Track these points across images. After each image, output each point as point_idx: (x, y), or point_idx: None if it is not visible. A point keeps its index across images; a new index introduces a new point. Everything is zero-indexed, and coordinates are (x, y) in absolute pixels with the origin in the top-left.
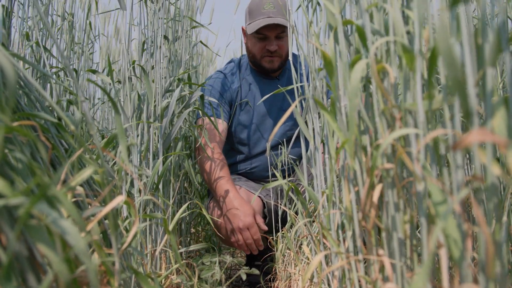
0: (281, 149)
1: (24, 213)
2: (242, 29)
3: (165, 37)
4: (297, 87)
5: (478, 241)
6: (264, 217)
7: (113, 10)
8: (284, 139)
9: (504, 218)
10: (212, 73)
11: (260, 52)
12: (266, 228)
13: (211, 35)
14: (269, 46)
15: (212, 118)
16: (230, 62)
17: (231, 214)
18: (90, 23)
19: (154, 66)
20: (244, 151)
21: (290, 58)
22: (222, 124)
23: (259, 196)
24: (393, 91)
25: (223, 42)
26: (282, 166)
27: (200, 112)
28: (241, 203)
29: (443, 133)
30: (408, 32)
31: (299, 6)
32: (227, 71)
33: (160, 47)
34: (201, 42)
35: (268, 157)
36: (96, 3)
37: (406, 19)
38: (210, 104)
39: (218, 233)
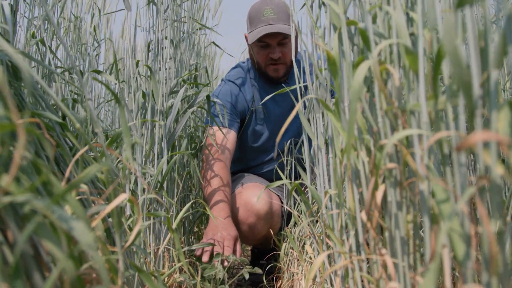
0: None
1: (38, 215)
2: (245, 36)
3: (170, 41)
4: (302, 88)
5: (481, 241)
6: (282, 216)
7: (117, 11)
8: (299, 141)
9: (508, 219)
10: (221, 83)
11: (264, 60)
12: (239, 257)
13: (217, 36)
14: (272, 54)
15: (223, 129)
16: (236, 67)
17: (218, 225)
18: (95, 28)
19: (160, 67)
20: (259, 157)
21: (294, 60)
22: (231, 135)
23: (278, 195)
24: (396, 92)
25: (230, 42)
26: (293, 167)
27: (208, 118)
28: (230, 223)
29: (447, 135)
30: (412, 34)
31: (304, 4)
32: (238, 81)
33: (166, 48)
34: (213, 43)
35: (284, 160)
36: (99, 11)
37: (410, 21)
38: (225, 112)
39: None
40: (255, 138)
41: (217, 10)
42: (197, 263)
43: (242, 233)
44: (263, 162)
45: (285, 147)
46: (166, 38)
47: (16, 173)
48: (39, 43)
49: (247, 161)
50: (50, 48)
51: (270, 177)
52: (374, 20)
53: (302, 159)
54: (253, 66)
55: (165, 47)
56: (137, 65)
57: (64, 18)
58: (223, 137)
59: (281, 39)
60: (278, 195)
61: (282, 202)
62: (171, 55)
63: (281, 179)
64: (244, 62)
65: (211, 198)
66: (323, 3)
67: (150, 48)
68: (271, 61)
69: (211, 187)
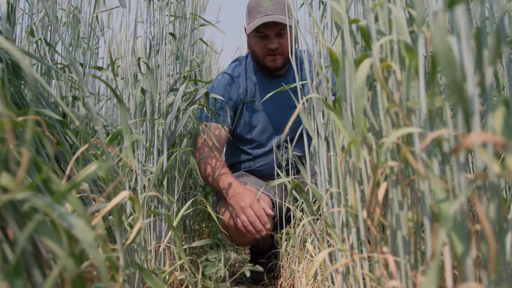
0: (286, 147)
1: (38, 213)
2: (244, 29)
3: (171, 35)
4: (302, 84)
5: (482, 240)
6: (273, 217)
7: (114, 8)
8: (293, 136)
9: (509, 217)
10: (219, 74)
11: (261, 51)
12: (272, 212)
13: (216, 33)
14: (269, 44)
15: (217, 125)
16: (235, 61)
17: (233, 199)
18: (97, 17)
19: (160, 64)
20: (251, 151)
21: (293, 56)
22: (224, 129)
23: (268, 195)
24: (397, 89)
25: (227, 41)
26: (289, 163)
27: (208, 114)
28: (243, 188)
29: (446, 133)
30: (412, 32)
31: (303, 3)
32: (233, 73)
33: (166, 44)
34: (200, 39)
35: (275, 156)
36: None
37: (411, 19)
38: (216, 106)
39: (226, 233)
40: (247, 129)
41: (206, 4)
42: (198, 260)
43: (232, 236)
44: (257, 156)
45: (281, 142)
46: (166, 33)
47: (22, 174)
48: (41, 40)
49: (241, 153)
50: (49, 43)
51: (265, 172)
52: (376, 19)
53: (301, 156)
54: (251, 59)
55: (166, 43)
56: (138, 62)
57: (64, 10)
58: (217, 132)
59: (279, 29)
60: (269, 196)
61: (273, 203)
62: (172, 51)
63: (277, 175)
64: (244, 57)
65: (217, 180)
66: (322, 2)
67: (151, 44)
68: (269, 52)
69: (213, 172)
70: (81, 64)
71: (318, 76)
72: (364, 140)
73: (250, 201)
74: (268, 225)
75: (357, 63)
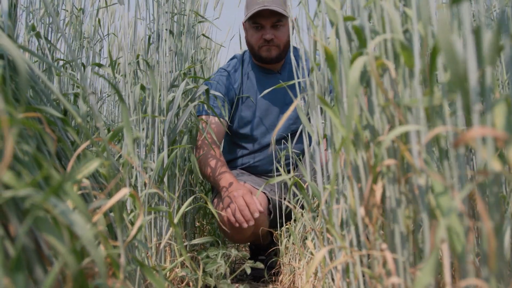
0: (284, 143)
1: (36, 207)
2: (243, 24)
3: (171, 32)
4: (299, 82)
5: (481, 236)
6: (269, 213)
7: (113, 4)
8: (288, 133)
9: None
10: (216, 70)
11: (257, 42)
12: (262, 209)
13: (215, 29)
14: (265, 35)
15: (215, 119)
16: (232, 58)
17: (230, 193)
18: (99, 20)
19: (159, 61)
20: (247, 146)
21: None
22: (222, 124)
23: (264, 192)
24: (392, 87)
25: (223, 39)
26: (285, 160)
27: (201, 108)
28: (241, 187)
29: (444, 130)
30: (406, 31)
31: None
32: (229, 68)
33: (166, 41)
34: (203, 35)
35: (273, 152)
36: (106, 2)
37: (406, 18)
38: (216, 99)
39: (223, 228)
40: (242, 124)
41: (218, 2)
42: (199, 257)
43: (229, 234)
44: (252, 151)
45: (271, 138)
46: (166, 30)
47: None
48: (39, 36)
49: (238, 149)
50: (48, 40)
51: (261, 169)
52: (369, 18)
53: (298, 154)
54: (248, 54)
55: (165, 39)
56: (137, 59)
57: (67, 11)
58: (216, 126)
59: (275, 21)
60: (265, 192)
61: (269, 199)
62: (171, 48)
63: (278, 171)
64: (241, 54)
65: (217, 179)
66: None
67: (151, 41)
68: (265, 43)
69: (213, 171)
70: (83, 65)
71: (313, 71)
72: (359, 138)
73: (243, 192)
74: (257, 214)
75: (352, 61)
